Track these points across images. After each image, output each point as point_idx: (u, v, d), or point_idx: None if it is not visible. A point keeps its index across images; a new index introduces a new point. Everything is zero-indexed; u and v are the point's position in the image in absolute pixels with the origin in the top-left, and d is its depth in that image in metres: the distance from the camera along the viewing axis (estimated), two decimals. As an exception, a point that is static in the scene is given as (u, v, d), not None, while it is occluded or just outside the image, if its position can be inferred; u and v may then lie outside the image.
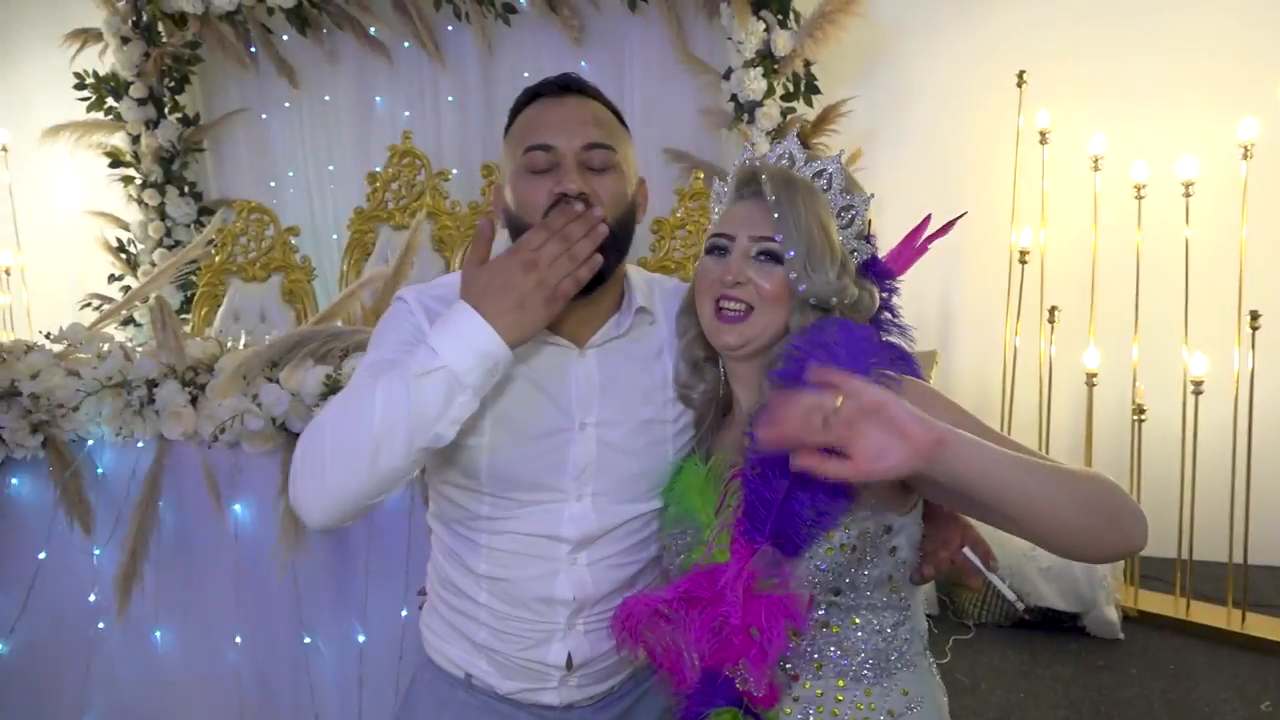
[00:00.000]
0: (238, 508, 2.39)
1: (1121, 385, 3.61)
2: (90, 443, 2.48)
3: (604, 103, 1.40)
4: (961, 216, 1.51)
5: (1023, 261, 3.75)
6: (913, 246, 1.41)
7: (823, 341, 1.17)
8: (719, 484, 1.25)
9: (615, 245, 1.35)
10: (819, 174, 1.28)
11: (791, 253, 1.24)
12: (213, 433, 2.32)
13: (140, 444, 2.44)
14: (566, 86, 1.39)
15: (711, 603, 1.14)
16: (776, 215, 1.24)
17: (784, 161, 1.31)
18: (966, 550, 1.24)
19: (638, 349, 1.43)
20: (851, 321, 1.23)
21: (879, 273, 1.32)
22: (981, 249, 3.96)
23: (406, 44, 4.55)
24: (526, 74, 4.46)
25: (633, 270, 1.47)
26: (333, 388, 2.32)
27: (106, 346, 2.60)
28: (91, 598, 2.47)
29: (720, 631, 1.13)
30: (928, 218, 1.44)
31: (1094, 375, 3.52)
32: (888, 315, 1.33)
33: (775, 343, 1.27)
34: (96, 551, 2.46)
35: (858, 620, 1.21)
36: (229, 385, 2.36)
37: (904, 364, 1.32)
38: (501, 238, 1.43)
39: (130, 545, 2.34)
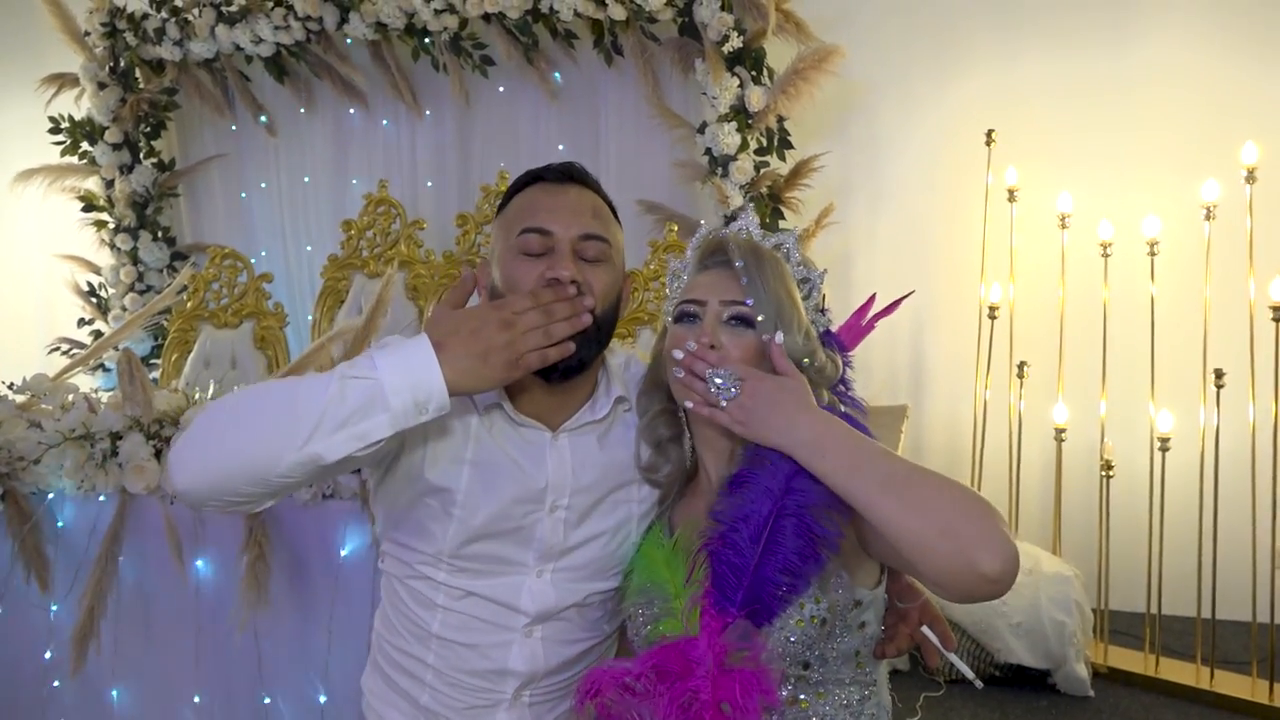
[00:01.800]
0: (200, 564, 2.35)
1: (1090, 440, 3.64)
2: (51, 496, 2.43)
3: (601, 195, 1.41)
4: (908, 296, 1.52)
5: (992, 316, 3.78)
6: (859, 324, 1.44)
7: None
8: (687, 555, 1.24)
9: (598, 337, 1.34)
10: (777, 247, 1.30)
11: (762, 316, 1.25)
12: (176, 487, 2.28)
13: (102, 498, 2.40)
14: (569, 175, 1.39)
15: (681, 677, 1.12)
16: (746, 280, 1.25)
17: (741, 236, 1.33)
18: (925, 629, 1.23)
19: (611, 435, 1.43)
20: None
21: (835, 343, 1.35)
22: (952, 303, 3.99)
23: (384, 93, 4.57)
24: (502, 125, 4.49)
25: (610, 354, 1.46)
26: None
27: (71, 398, 2.56)
28: (47, 655, 2.41)
29: (690, 707, 1.11)
30: (872, 297, 1.47)
31: (1063, 430, 3.54)
32: (842, 388, 1.34)
33: None
34: (54, 607, 2.41)
35: (825, 695, 1.19)
36: (194, 439, 2.33)
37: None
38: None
39: (88, 602, 2.29)
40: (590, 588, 1.38)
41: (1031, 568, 3.27)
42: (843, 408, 1.33)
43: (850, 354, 1.38)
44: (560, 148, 4.40)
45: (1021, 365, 3.65)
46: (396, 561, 1.40)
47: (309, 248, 4.81)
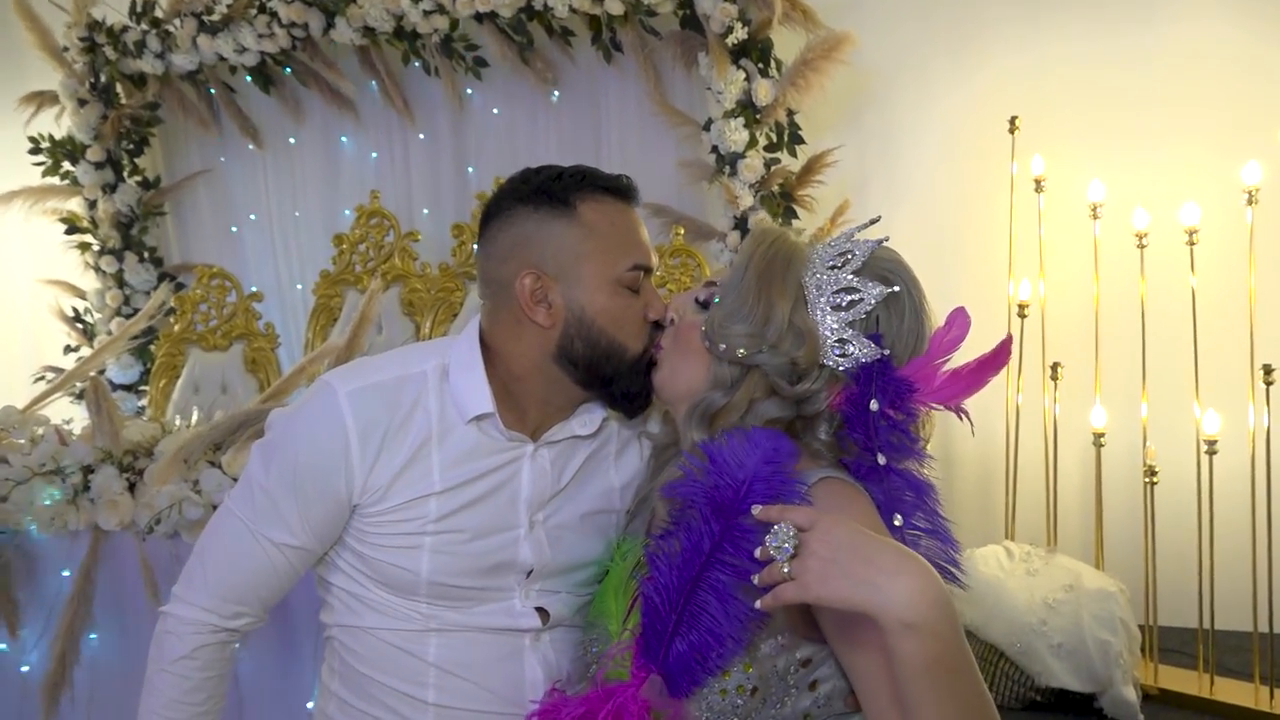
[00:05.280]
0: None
1: (1131, 445, 3.55)
2: (20, 534, 2.40)
3: None
4: (1008, 343, 1.28)
5: (1022, 315, 3.69)
6: (960, 375, 1.20)
7: (727, 459, 1.09)
8: (632, 587, 1.20)
9: None
10: (843, 253, 1.22)
11: (717, 299, 1.21)
12: (148, 522, 2.24)
13: (74, 535, 2.37)
14: (636, 195, 1.38)
15: None
16: (731, 265, 1.23)
17: (844, 241, 1.25)
18: None
19: (599, 449, 1.40)
20: (772, 433, 1.13)
21: (895, 386, 1.18)
22: (978, 303, 3.82)
23: (374, 100, 4.56)
24: (499, 130, 4.48)
25: None
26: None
27: (41, 430, 2.53)
28: (19, 705, 2.37)
29: None
30: (956, 315, 1.23)
31: (1101, 435, 3.45)
32: (903, 439, 1.17)
33: (696, 396, 1.22)
34: (25, 668, 2.37)
35: None
36: (169, 470, 2.30)
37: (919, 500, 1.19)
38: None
39: (59, 648, 2.26)
40: (584, 592, 1.37)
41: (1072, 584, 3.18)
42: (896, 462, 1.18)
43: (931, 406, 1.19)
44: (561, 146, 4.37)
45: (1055, 367, 3.56)
46: (372, 611, 1.34)
47: (300, 265, 4.79)
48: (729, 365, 1.20)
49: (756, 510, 1.01)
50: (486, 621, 1.31)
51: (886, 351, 1.17)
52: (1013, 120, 3.79)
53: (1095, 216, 3.64)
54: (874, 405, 1.16)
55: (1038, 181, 3.75)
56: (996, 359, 1.22)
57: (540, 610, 1.34)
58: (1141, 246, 3.51)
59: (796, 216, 3.83)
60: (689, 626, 1.05)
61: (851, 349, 1.18)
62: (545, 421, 1.36)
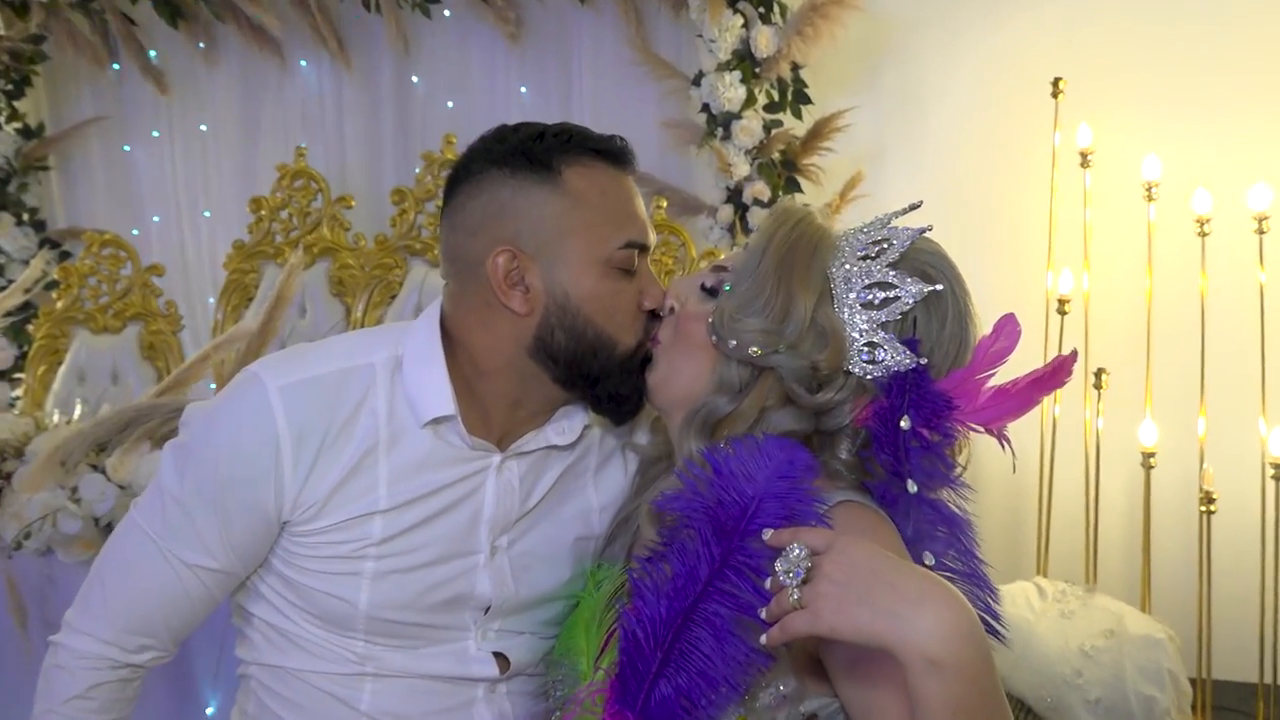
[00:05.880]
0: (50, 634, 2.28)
1: (1186, 467, 3.56)
2: None
3: None
4: (1070, 361, 1.31)
5: (1062, 312, 3.71)
6: (1007, 392, 1.22)
7: (734, 471, 1.10)
8: (608, 620, 1.21)
9: None
10: (878, 242, 1.22)
11: (728, 286, 1.21)
12: (16, 537, 2.23)
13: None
14: (631, 159, 1.38)
15: None
16: (746, 250, 1.24)
17: (878, 228, 1.26)
18: None
19: (577, 462, 1.40)
20: (787, 443, 1.14)
21: (932, 401, 1.19)
22: (1011, 296, 3.88)
23: (303, 40, 4.54)
24: (450, 79, 4.48)
25: None
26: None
27: (-112, 424, 2.51)
28: None
29: None
30: (1006, 320, 1.26)
31: (1151, 454, 3.47)
32: (937, 464, 1.19)
33: (697, 401, 1.23)
34: None
35: None
36: (43, 474, 2.27)
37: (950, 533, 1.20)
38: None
39: (-95, 684, 2.22)
40: (555, 633, 1.37)
41: (1114, 628, 3.19)
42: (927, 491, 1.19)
43: (971, 426, 1.21)
44: (524, 100, 4.39)
45: (1099, 374, 3.58)
46: (298, 649, 1.34)
47: (210, 232, 4.77)
48: (738, 366, 1.20)
49: (767, 535, 1.02)
50: (433, 668, 1.31)
51: (923, 360, 1.19)
52: (1056, 82, 3.80)
53: (1150, 198, 3.65)
54: (905, 423, 1.16)
55: (1084, 155, 3.76)
56: (1054, 377, 1.24)
57: (499, 656, 1.33)
58: (1203, 234, 3.53)
59: (800, 189, 3.83)
60: (677, 667, 1.05)
61: (882, 355, 1.19)
62: (515, 428, 1.35)
